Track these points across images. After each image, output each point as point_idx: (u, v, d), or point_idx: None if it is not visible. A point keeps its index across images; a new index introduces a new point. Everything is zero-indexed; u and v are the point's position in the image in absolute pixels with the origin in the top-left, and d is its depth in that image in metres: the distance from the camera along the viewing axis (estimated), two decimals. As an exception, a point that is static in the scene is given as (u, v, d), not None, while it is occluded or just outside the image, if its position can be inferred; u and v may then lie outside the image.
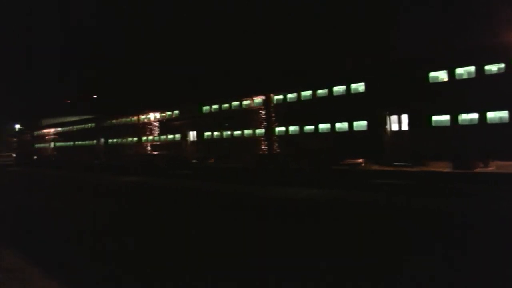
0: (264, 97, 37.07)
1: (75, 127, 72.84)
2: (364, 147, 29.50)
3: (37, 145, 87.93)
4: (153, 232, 12.36)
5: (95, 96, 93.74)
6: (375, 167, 29.34)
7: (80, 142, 70.28)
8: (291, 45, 63.09)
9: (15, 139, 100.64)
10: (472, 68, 24.33)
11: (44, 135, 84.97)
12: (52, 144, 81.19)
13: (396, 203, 15.36)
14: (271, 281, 8.01)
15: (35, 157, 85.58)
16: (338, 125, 31.16)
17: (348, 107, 30.43)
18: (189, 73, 78.61)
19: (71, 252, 10.62)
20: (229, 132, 40.27)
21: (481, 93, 23.67)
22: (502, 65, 23.16)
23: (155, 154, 49.82)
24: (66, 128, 76.08)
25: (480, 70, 23.91)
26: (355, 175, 27.66)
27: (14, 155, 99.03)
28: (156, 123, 50.35)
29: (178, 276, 8.32)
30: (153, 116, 51.17)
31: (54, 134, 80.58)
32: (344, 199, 16.85)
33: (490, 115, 23.53)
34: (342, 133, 30.78)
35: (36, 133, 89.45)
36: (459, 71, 24.87)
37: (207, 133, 42.81)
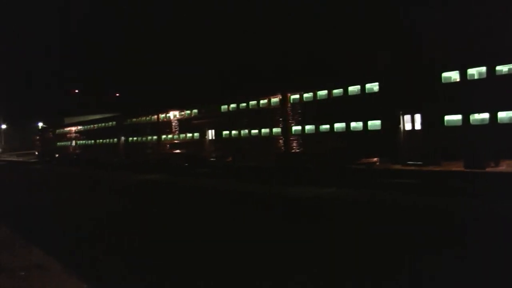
0: (281, 97, 37.69)
1: (96, 126, 73.94)
2: (378, 146, 30.01)
3: (59, 143, 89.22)
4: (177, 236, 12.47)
5: (117, 95, 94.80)
6: (390, 166, 29.67)
7: (101, 140, 71.32)
8: (306, 44, 63.42)
9: (37, 137, 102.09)
10: (483, 69, 24.76)
11: (65, 133, 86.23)
12: (73, 142, 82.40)
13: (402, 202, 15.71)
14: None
15: (57, 155, 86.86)
16: (353, 124, 31.66)
17: (362, 106, 30.93)
18: (206, 73, 79.30)
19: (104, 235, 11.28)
20: (246, 131, 40.95)
21: (492, 93, 24.08)
22: (513, 66, 23.61)
23: (174, 153, 50.59)
24: (87, 127, 77.22)
25: (491, 70, 24.33)
26: (369, 174, 28.07)
27: (36, 152, 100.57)
28: (176, 122, 51.16)
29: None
30: (173, 115, 52.01)
31: (75, 132, 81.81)
32: (356, 199, 17.19)
33: (501, 115, 23.95)
34: (357, 133, 31.28)
35: (58, 131, 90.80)
36: (471, 71, 25.30)
37: (225, 132, 43.53)
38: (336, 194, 18.26)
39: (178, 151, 50.27)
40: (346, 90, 32.31)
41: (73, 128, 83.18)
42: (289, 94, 36.95)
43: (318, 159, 33.84)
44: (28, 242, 11.13)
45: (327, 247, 10.23)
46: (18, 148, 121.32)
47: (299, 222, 13.02)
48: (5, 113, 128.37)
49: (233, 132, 42.60)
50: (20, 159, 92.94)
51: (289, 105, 36.83)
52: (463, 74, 25.59)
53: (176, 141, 51.15)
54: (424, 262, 8.84)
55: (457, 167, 25.97)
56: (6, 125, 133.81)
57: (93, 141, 74.36)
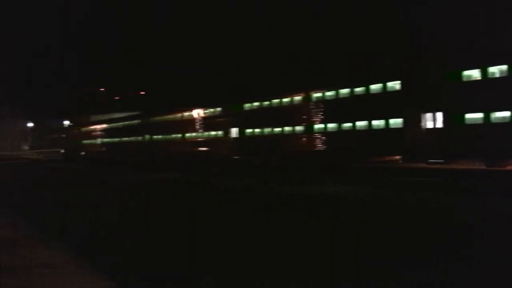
0: (304, 95, 38.13)
1: (121, 124, 74.79)
2: (400, 144, 30.24)
3: (84, 141, 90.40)
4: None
5: (142, 93, 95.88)
6: (411, 165, 29.63)
7: (126, 138, 72.18)
8: (327, 43, 63.65)
9: (63, 135, 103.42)
10: (504, 67, 24.93)
11: (91, 131, 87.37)
12: (98, 140, 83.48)
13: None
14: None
15: (82, 153, 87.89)
16: (375, 123, 31.96)
17: (384, 105, 31.20)
18: (229, 71, 79.85)
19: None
20: (270, 129, 41.44)
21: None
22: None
23: (198, 151, 51.05)
24: (113, 125, 78.18)
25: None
26: (390, 172, 27.91)
27: (62, 150, 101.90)
28: (199, 120, 51.77)
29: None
30: (196, 113, 52.63)
31: (100, 130, 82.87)
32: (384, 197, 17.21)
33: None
34: (378, 131, 31.59)
35: (84, 129, 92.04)
36: (492, 69, 25.47)
37: (248, 130, 44.03)
38: (361, 193, 18.33)
39: (202, 149, 50.79)
40: (368, 88, 32.63)
41: (99, 126, 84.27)
42: (311, 92, 37.34)
43: (340, 157, 34.09)
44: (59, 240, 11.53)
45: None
46: (44, 146, 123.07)
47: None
48: (32, 111, 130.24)
49: (256, 130, 43.10)
50: (46, 157, 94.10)
51: (311, 103, 37.22)
52: (483, 73, 25.76)
53: (199, 139, 51.76)
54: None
55: (478, 165, 25.88)
56: (33, 123, 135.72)
57: (118, 139, 75.26)
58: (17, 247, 10.32)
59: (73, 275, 7.95)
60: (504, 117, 24.85)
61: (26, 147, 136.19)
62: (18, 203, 19.03)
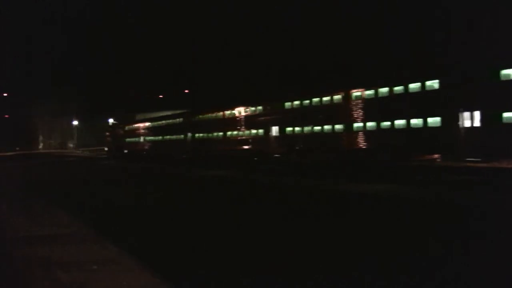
0: (343, 94, 38.64)
1: (164, 122, 76.16)
2: (439, 143, 30.61)
3: (127, 139, 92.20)
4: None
5: (186, 91, 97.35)
6: (451, 163, 29.86)
7: (168, 137, 73.48)
8: (364, 41, 64.01)
9: (108, 134, 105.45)
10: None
11: (134, 130, 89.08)
12: (142, 139, 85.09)
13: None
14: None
15: (125, 151, 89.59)
16: (413, 121, 32.33)
17: (423, 103, 31.60)
18: (271, 69, 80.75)
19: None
20: (310, 128, 42.06)
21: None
22: None
23: (240, 149, 51.88)
24: (156, 123, 79.63)
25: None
26: (429, 171, 28.09)
27: (106, 148, 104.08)
28: (240, 119, 52.67)
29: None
30: (237, 111, 53.56)
31: (144, 128, 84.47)
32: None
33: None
34: (417, 129, 31.96)
35: (127, 127, 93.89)
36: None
37: (289, 129, 44.72)
38: (398, 191, 18.70)
39: (243, 147, 51.63)
40: (407, 87, 33.02)
41: (142, 125, 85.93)
42: (351, 91, 37.82)
43: (380, 156, 34.51)
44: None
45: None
46: (90, 144, 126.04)
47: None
48: (78, 109, 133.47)
49: (296, 128, 43.76)
50: (93, 154, 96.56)
51: (351, 102, 37.70)
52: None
53: (240, 138, 52.63)
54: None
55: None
56: (79, 121, 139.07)
57: (161, 137, 76.63)
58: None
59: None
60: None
61: (71, 145, 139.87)
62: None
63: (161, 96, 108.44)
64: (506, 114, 26.67)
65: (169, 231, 12.60)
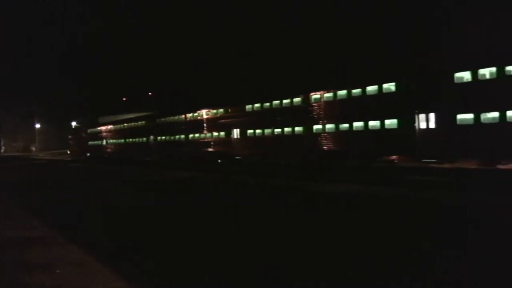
0: (303, 96, 38.82)
1: (126, 125, 75.72)
2: (397, 144, 30.95)
3: (90, 142, 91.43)
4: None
5: (150, 94, 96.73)
6: (408, 164, 30.25)
7: (131, 140, 73.06)
8: (323, 45, 64.46)
9: (70, 137, 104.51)
10: (493, 69, 25.63)
11: (97, 133, 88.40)
12: (104, 142, 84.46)
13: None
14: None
15: (88, 154, 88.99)
16: (372, 123, 32.61)
17: (381, 106, 31.91)
18: (230, 72, 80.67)
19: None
20: (270, 130, 42.19)
21: (504, 93, 24.90)
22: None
23: (202, 151, 51.90)
24: (118, 126, 79.13)
25: (501, 71, 25.23)
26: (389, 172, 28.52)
27: (68, 151, 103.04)
28: (202, 121, 52.62)
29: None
30: (199, 114, 53.51)
31: (106, 131, 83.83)
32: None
33: (511, 113, 24.77)
34: (376, 131, 32.24)
35: (90, 130, 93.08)
36: (482, 71, 26.18)
37: (250, 131, 44.78)
38: (356, 190, 19.02)
39: (207, 149, 51.61)
40: (364, 90, 33.30)
41: (104, 128, 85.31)
42: (310, 94, 38.04)
43: (339, 157, 34.80)
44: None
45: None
46: (52, 147, 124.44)
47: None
48: (41, 112, 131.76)
49: (257, 131, 43.83)
50: (57, 157, 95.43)
51: (311, 104, 37.90)
52: (475, 74, 26.44)
53: (203, 140, 52.59)
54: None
55: (471, 164, 26.56)
56: (41, 124, 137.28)
57: (123, 140, 76.19)
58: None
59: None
60: (494, 118, 25.53)
61: (33, 148, 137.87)
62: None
63: (124, 99, 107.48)
64: (460, 116, 27.06)
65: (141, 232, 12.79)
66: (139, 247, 10.94)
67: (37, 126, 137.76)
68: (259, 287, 7.91)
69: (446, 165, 27.22)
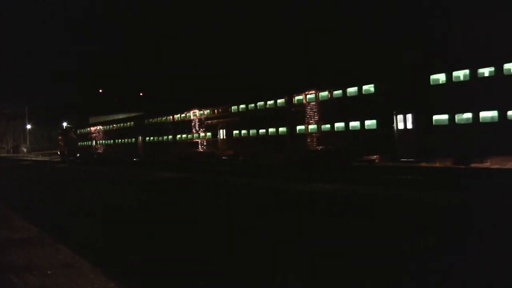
0: (287, 98, 39.41)
1: (116, 126, 75.94)
2: (376, 144, 31.58)
3: (80, 143, 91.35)
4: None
5: (141, 94, 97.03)
6: (387, 164, 30.74)
7: (120, 140, 73.32)
8: (306, 46, 65.11)
9: (60, 137, 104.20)
10: (467, 72, 26.34)
11: (87, 134, 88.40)
12: (94, 142, 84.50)
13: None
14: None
15: (78, 155, 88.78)
16: (352, 124, 33.23)
17: (361, 107, 32.55)
18: (217, 74, 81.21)
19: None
20: (255, 131, 42.76)
21: (476, 95, 25.64)
22: (492, 68, 25.16)
23: (190, 152, 52.35)
24: (107, 127, 79.28)
25: (474, 73, 25.94)
26: (364, 171, 29.04)
27: (58, 152, 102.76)
28: (189, 122, 53.09)
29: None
30: (187, 115, 53.99)
31: (96, 132, 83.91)
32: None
33: (483, 114, 25.47)
34: (356, 131, 32.87)
35: (80, 131, 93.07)
36: (457, 73, 26.89)
37: (235, 131, 45.32)
38: (337, 189, 19.49)
39: (193, 150, 52.07)
40: (345, 91, 33.93)
41: (94, 128, 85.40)
42: (294, 95, 38.63)
43: (321, 157, 35.34)
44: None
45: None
46: (43, 148, 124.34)
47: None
48: (31, 113, 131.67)
49: (243, 131, 44.39)
50: (46, 158, 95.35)
51: (294, 105, 38.51)
52: (449, 76, 27.12)
53: (190, 141, 53.05)
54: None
55: (446, 164, 27.14)
56: (32, 125, 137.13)
57: (112, 141, 76.40)
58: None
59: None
60: (467, 119, 26.22)
61: (24, 149, 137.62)
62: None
63: (115, 100, 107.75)
64: (436, 117, 27.74)
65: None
66: (128, 248, 11.35)
67: (28, 126, 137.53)
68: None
69: (423, 164, 27.76)
